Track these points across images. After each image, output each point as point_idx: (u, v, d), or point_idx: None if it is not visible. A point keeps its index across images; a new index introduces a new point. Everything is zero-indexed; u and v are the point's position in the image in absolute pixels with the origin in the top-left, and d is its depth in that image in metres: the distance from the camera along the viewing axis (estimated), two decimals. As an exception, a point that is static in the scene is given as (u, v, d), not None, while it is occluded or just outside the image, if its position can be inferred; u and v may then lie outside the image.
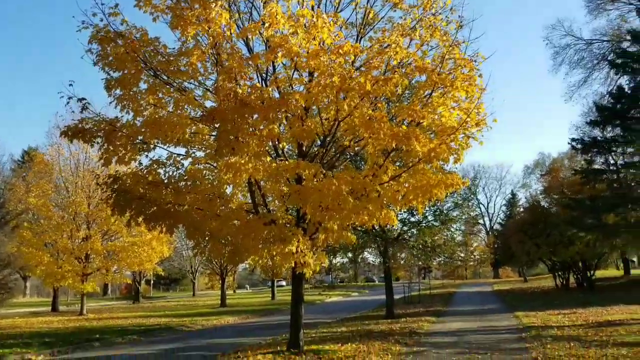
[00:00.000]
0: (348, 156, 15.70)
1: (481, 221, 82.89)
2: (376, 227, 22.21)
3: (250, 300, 47.31)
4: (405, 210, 23.18)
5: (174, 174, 12.74)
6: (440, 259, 26.71)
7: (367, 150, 12.09)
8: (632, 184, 17.60)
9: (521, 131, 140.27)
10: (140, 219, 12.25)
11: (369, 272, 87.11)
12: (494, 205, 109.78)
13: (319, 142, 13.28)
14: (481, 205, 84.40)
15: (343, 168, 13.82)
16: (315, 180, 11.01)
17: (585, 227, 18.33)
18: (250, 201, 13.13)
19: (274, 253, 11.49)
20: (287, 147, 15.49)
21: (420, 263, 31.49)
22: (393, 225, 23.60)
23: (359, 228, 22.64)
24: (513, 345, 13.04)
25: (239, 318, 28.41)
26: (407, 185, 11.84)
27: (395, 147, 11.33)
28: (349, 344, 14.08)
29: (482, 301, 32.53)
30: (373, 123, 10.78)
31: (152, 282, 77.45)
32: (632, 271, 50.02)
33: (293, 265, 11.82)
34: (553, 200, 39.77)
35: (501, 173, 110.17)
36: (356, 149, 13.63)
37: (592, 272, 38.44)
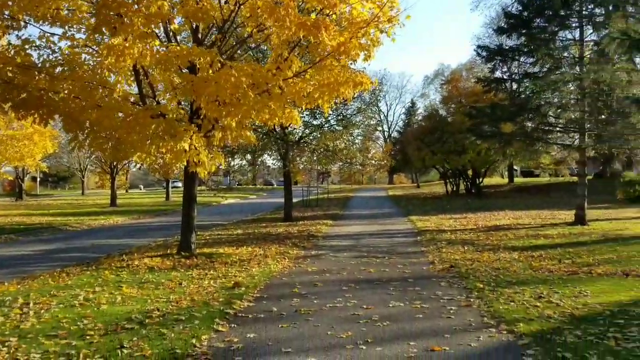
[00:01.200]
0: (249, 49, 14.48)
1: (380, 128, 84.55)
2: (277, 129, 21.42)
3: (143, 201, 45.78)
4: (307, 113, 22.49)
5: (50, 57, 11.06)
6: (340, 164, 26.52)
7: (271, 41, 11.00)
8: (531, 95, 17.79)
9: (422, 43, 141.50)
10: (7, 106, 10.62)
11: (268, 176, 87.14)
12: (394, 113, 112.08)
13: (216, 30, 11.94)
14: (381, 113, 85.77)
15: (244, 61, 12.65)
16: (211, 70, 9.87)
17: (483, 135, 18.54)
18: (137, 92, 11.73)
19: (164, 150, 10.44)
20: (182, 35, 14.01)
21: (319, 167, 31.29)
22: (295, 127, 22.89)
23: (259, 130, 21.75)
24: (409, 249, 13.07)
25: (129, 218, 27.18)
26: (313, 82, 10.98)
27: (302, 38, 10.36)
28: (245, 247, 13.56)
29: (378, 205, 33.33)
30: (279, 9, 9.65)
31: (38, 179, 73.07)
32: (515, 179, 53.38)
33: (185, 164, 10.88)
34: (451, 109, 40.67)
35: (402, 82, 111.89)
36: (259, 40, 12.43)
37: (480, 179, 40.45)
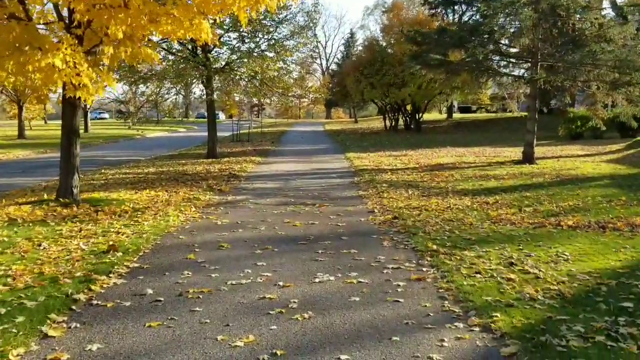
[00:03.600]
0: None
1: (318, 61, 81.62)
2: (199, 53, 18.78)
3: (59, 133, 41.89)
4: (236, 37, 19.91)
5: None
6: (271, 95, 24.05)
7: None
8: (482, 19, 15.85)
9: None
10: None
11: (201, 108, 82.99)
12: (332, 45, 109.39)
13: None
14: (319, 45, 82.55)
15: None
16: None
17: (429, 64, 16.51)
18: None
19: (30, 68, 7.92)
20: None
21: (252, 99, 28.75)
22: (220, 51, 20.25)
23: (178, 53, 19.06)
24: (345, 192, 11.18)
25: (34, 152, 24.07)
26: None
27: None
28: (148, 190, 11.24)
29: (314, 141, 31.33)
30: None
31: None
32: (454, 115, 52.47)
33: (61, 85, 8.45)
34: (392, 40, 38.44)
35: (341, 11, 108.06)
36: None
37: (420, 114, 38.98)
